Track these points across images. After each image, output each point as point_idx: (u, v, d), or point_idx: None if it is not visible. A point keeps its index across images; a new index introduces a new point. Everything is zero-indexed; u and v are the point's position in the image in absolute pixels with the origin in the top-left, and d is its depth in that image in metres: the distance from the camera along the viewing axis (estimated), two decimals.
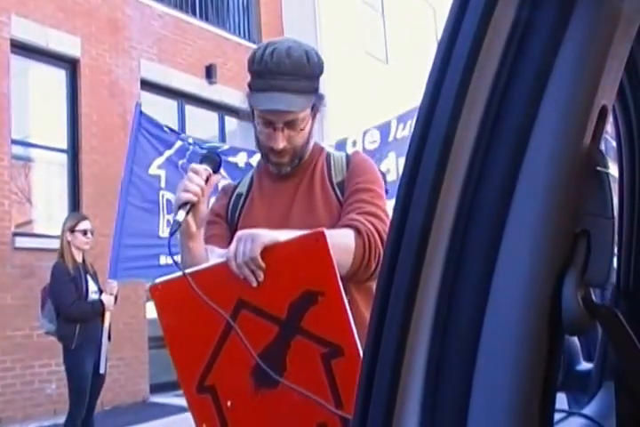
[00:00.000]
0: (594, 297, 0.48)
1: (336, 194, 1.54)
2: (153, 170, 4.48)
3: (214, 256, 1.40)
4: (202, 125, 8.20)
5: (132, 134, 4.50)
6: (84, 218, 4.39)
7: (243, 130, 8.34)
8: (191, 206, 1.36)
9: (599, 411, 0.83)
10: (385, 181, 1.65)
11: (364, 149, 4.61)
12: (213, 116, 8.38)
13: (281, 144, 1.50)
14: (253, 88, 1.50)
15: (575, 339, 0.95)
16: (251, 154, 4.62)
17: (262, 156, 1.60)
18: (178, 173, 4.55)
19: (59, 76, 6.77)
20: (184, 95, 7.89)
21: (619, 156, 0.88)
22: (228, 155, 4.58)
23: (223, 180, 3.71)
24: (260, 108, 1.49)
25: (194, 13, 8.28)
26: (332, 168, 1.58)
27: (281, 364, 1.20)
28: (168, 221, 4.47)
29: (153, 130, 4.54)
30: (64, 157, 6.72)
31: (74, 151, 6.71)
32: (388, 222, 0.95)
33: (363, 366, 0.50)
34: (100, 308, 4.11)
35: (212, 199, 1.64)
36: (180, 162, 4.56)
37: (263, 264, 1.22)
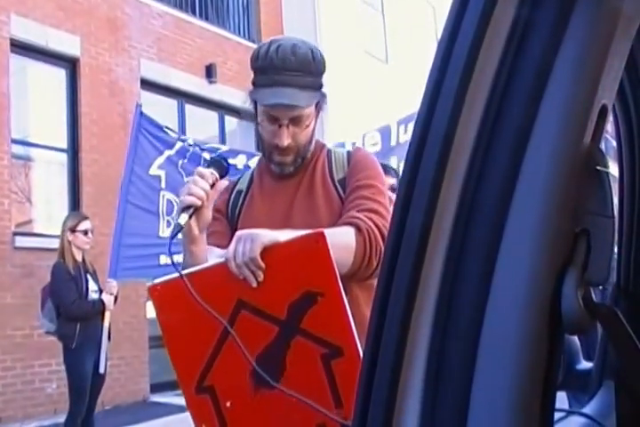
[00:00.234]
0: (594, 296, 0.48)
1: (337, 191, 1.53)
2: (153, 170, 4.49)
3: (213, 256, 1.39)
4: (202, 125, 8.20)
5: (133, 134, 4.50)
6: (85, 218, 4.39)
7: (243, 129, 8.35)
8: (194, 210, 1.34)
9: (599, 410, 0.83)
10: (394, 173, 1.63)
11: None
12: (213, 116, 8.37)
13: (286, 141, 1.49)
14: (257, 84, 1.49)
15: (575, 338, 0.95)
16: (250, 156, 4.62)
17: (265, 155, 1.59)
18: (178, 173, 4.56)
19: (58, 75, 6.77)
20: (184, 95, 7.88)
21: (619, 155, 0.88)
22: (227, 157, 4.59)
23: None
24: (266, 104, 1.47)
25: (194, 13, 8.28)
26: (334, 165, 1.57)
27: (281, 364, 1.20)
28: (168, 221, 4.48)
29: (153, 130, 4.55)
30: (64, 157, 6.71)
31: (74, 150, 6.71)
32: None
33: (363, 365, 0.50)
34: (100, 307, 4.12)
35: None
36: (180, 162, 4.57)
37: (263, 264, 1.21)
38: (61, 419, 4.32)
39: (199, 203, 1.34)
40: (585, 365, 0.94)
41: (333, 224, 1.43)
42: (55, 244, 4.36)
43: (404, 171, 0.51)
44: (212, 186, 1.38)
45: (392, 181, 2.72)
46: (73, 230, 4.20)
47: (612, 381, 0.86)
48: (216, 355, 1.24)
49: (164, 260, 4.41)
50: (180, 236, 1.38)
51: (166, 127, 4.71)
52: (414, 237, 0.48)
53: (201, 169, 1.41)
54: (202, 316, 1.25)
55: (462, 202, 0.48)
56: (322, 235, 1.18)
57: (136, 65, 7.28)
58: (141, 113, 4.53)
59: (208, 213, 1.39)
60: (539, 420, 0.45)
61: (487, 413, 0.45)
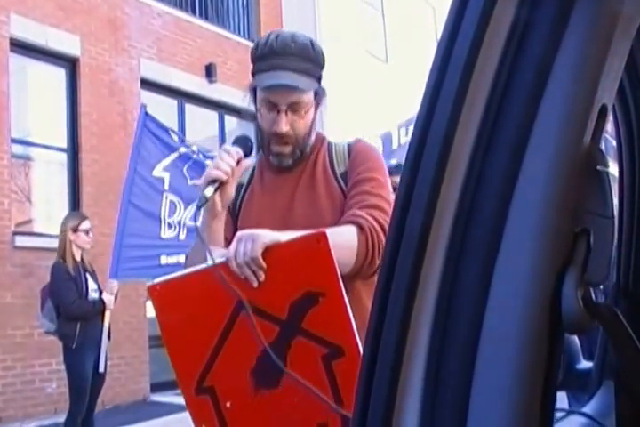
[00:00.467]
0: (594, 296, 0.48)
1: (340, 185, 1.52)
2: (157, 172, 4.50)
3: (214, 256, 1.39)
4: (202, 125, 8.20)
5: (137, 135, 4.51)
6: (85, 217, 4.41)
7: (243, 129, 8.33)
8: (219, 185, 1.37)
9: (599, 410, 0.83)
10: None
11: None
12: (213, 116, 8.37)
13: (284, 127, 1.48)
14: (257, 70, 1.51)
15: (575, 338, 0.96)
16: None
17: (263, 147, 1.58)
18: (182, 176, 4.58)
19: (58, 74, 6.77)
20: (184, 94, 7.88)
21: (619, 155, 0.88)
22: None
23: None
24: (265, 85, 1.48)
25: (194, 12, 8.28)
26: (335, 158, 1.56)
27: (282, 364, 1.20)
28: (169, 223, 4.49)
29: (158, 132, 4.55)
30: (64, 156, 6.71)
31: (74, 150, 6.71)
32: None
33: (362, 364, 0.51)
34: (100, 307, 4.12)
35: None
36: (186, 166, 4.59)
37: (264, 264, 1.21)
38: (61, 419, 4.32)
39: (225, 177, 1.37)
40: (585, 364, 0.94)
41: (336, 219, 1.43)
42: (55, 243, 4.36)
43: (403, 170, 0.51)
44: (237, 163, 1.41)
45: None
46: (75, 230, 4.21)
47: (611, 380, 0.86)
48: (216, 355, 1.24)
49: (164, 260, 4.42)
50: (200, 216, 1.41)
51: (172, 130, 4.73)
52: (414, 237, 0.48)
53: (227, 146, 1.44)
54: (202, 316, 1.25)
55: (462, 202, 0.48)
56: (323, 235, 1.18)
57: (136, 65, 7.27)
58: (146, 113, 4.54)
59: (232, 190, 1.43)
60: (538, 419, 0.45)
61: (487, 412, 0.45)
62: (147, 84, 7.38)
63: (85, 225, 4.26)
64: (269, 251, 1.21)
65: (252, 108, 1.58)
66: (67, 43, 6.66)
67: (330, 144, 1.60)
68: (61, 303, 4.06)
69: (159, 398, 6.70)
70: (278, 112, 1.48)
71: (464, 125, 0.48)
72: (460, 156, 0.48)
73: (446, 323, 0.47)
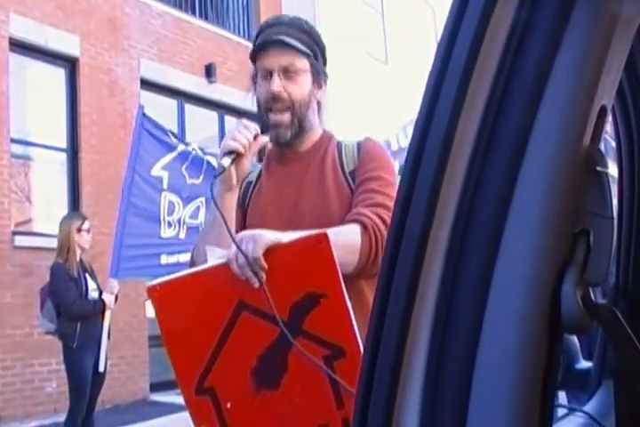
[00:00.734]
0: (593, 296, 0.48)
1: (348, 183, 1.51)
2: (156, 171, 4.50)
3: (214, 257, 1.39)
4: (201, 125, 8.20)
5: (135, 136, 4.51)
6: (86, 217, 4.43)
7: None
8: (236, 156, 1.38)
9: (598, 409, 0.83)
10: None
11: None
12: (213, 116, 8.37)
13: (276, 87, 1.49)
14: (254, 47, 1.55)
15: (574, 338, 0.96)
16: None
17: (264, 124, 1.56)
18: (181, 175, 4.59)
19: (58, 74, 6.77)
20: (184, 94, 7.88)
21: (618, 156, 0.88)
22: None
23: None
24: (258, 45, 1.52)
25: (193, 12, 8.27)
26: (344, 156, 1.56)
27: (282, 366, 1.19)
28: (169, 222, 4.49)
29: (156, 132, 4.56)
30: (63, 156, 6.71)
31: (73, 150, 6.71)
32: None
33: (363, 364, 0.51)
34: (100, 306, 4.13)
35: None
36: (185, 165, 4.59)
37: (266, 265, 1.20)
38: (61, 418, 4.32)
39: (242, 149, 1.39)
40: (584, 364, 0.94)
41: (343, 215, 1.43)
42: (55, 243, 4.36)
43: (403, 171, 0.51)
44: (255, 138, 1.43)
45: None
46: (79, 230, 4.22)
47: (611, 380, 0.86)
48: (216, 356, 1.23)
49: (164, 259, 4.42)
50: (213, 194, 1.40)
51: (170, 131, 4.73)
52: (414, 238, 0.48)
53: (245, 121, 1.45)
54: (202, 316, 1.25)
55: (462, 203, 0.48)
56: (325, 236, 1.17)
57: (136, 65, 7.27)
58: (144, 114, 4.54)
59: (247, 164, 1.44)
60: (538, 419, 0.46)
61: (486, 412, 0.45)
62: (146, 84, 7.38)
63: (86, 225, 4.29)
64: (271, 252, 1.21)
65: (254, 108, 1.58)
66: (66, 42, 6.65)
67: (339, 143, 1.60)
68: (62, 303, 4.06)
69: (159, 397, 6.69)
70: (271, 75, 1.51)
71: (464, 126, 0.48)
72: (460, 156, 0.48)
73: (446, 323, 0.47)
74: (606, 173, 0.48)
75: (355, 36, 10.14)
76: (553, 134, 0.47)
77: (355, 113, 8.46)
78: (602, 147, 0.51)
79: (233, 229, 1.35)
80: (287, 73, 1.50)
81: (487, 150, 0.48)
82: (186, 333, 1.27)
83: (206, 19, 8.43)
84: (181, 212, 4.58)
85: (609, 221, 0.48)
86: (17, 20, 6.25)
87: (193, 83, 7.89)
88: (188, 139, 5.77)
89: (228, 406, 1.24)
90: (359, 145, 1.57)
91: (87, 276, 4.24)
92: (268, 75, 1.51)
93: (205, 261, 1.35)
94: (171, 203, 4.53)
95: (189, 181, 4.62)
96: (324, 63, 1.61)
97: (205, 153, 4.70)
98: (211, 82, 8.03)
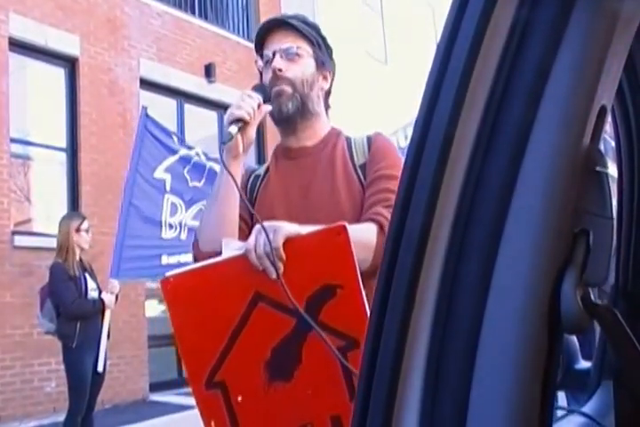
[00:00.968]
0: (593, 296, 0.48)
1: (358, 177, 1.52)
2: (159, 173, 4.51)
3: (231, 248, 1.38)
4: (201, 124, 8.20)
5: (137, 137, 4.52)
6: (84, 217, 4.42)
7: None
8: (243, 124, 1.40)
9: (598, 410, 0.83)
10: None
11: None
12: (212, 115, 8.37)
13: (277, 64, 1.52)
14: (259, 31, 1.59)
15: (574, 338, 0.96)
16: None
17: (269, 101, 1.57)
18: (183, 178, 4.59)
19: (58, 74, 6.77)
20: (183, 94, 7.88)
21: (618, 156, 0.88)
22: None
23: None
24: (260, 28, 1.56)
25: (193, 12, 8.27)
26: (354, 150, 1.56)
27: (297, 357, 1.19)
28: (170, 224, 4.50)
29: (159, 134, 4.56)
30: (63, 156, 6.71)
31: (73, 150, 6.71)
32: None
33: (362, 364, 0.51)
34: (100, 306, 4.13)
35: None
36: (187, 168, 4.60)
37: (284, 256, 1.20)
38: (61, 418, 4.32)
39: (248, 117, 1.41)
40: (583, 364, 0.94)
41: (353, 208, 1.45)
42: (54, 243, 4.36)
43: (403, 171, 0.51)
44: (258, 107, 1.45)
45: None
46: (78, 230, 4.22)
47: (610, 380, 0.86)
48: (230, 348, 1.23)
49: (165, 260, 4.43)
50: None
51: (174, 133, 4.74)
52: (414, 237, 0.48)
53: (248, 91, 1.48)
54: (215, 309, 1.24)
55: (462, 203, 0.48)
56: (343, 228, 1.17)
57: (135, 64, 7.27)
58: (147, 115, 4.54)
59: (253, 133, 1.46)
60: (538, 419, 0.46)
61: (486, 412, 0.45)
62: (146, 83, 7.38)
63: (85, 225, 4.29)
64: (289, 243, 1.21)
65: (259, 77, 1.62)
66: (66, 42, 6.65)
67: (348, 138, 1.61)
68: (61, 303, 4.06)
69: (158, 397, 6.70)
70: (274, 57, 1.53)
71: (464, 126, 0.48)
72: (460, 157, 0.48)
73: (446, 323, 0.47)
74: (606, 173, 0.48)
75: (354, 37, 10.14)
76: (553, 134, 0.47)
77: (354, 113, 8.46)
78: (601, 147, 0.51)
79: (240, 194, 1.40)
80: (289, 55, 1.53)
81: (487, 150, 0.48)
82: (198, 326, 1.26)
83: (206, 18, 8.43)
84: (183, 214, 4.59)
85: (609, 221, 0.48)
86: (17, 20, 6.25)
87: (192, 82, 7.89)
88: (187, 138, 5.76)
89: (239, 399, 1.23)
90: (369, 139, 1.58)
91: (87, 275, 4.24)
92: (271, 57, 1.54)
93: (212, 239, 1.39)
94: (173, 205, 4.54)
95: (191, 184, 4.64)
96: (330, 56, 1.64)
97: (209, 159, 4.70)
98: (210, 82, 8.03)
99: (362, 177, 1.51)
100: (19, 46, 6.33)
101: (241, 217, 1.50)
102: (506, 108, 0.48)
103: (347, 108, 8.22)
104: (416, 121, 0.51)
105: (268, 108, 1.50)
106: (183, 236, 4.55)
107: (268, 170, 1.63)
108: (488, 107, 0.48)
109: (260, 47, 1.59)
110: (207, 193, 4.05)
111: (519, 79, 0.48)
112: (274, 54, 1.53)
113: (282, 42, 1.54)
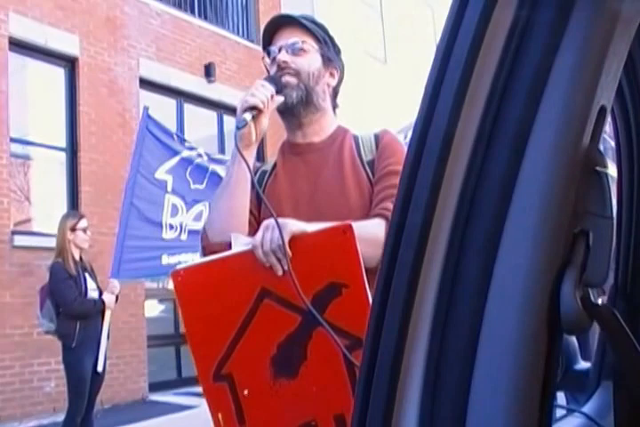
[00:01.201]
0: (592, 297, 0.48)
1: (367, 173, 1.52)
2: (160, 174, 4.51)
3: (239, 244, 1.39)
4: (201, 124, 8.20)
5: (138, 137, 4.51)
6: (82, 216, 4.40)
7: None
8: (256, 112, 1.41)
9: (597, 410, 0.83)
10: None
11: None
12: (212, 115, 8.37)
13: (283, 57, 1.53)
14: (266, 27, 1.61)
15: (573, 338, 0.96)
16: None
17: (280, 93, 1.59)
18: (185, 179, 4.59)
19: (57, 74, 6.76)
20: (183, 94, 7.88)
21: (617, 156, 0.88)
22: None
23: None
24: (268, 24, 1.57)
25: (192, 12, 8.27)
26: (361, 147, 1.57)
27: (302, 354, 1.20)
28: (171, 224, 4.49)
29: (160, 135, 4.56)
30: (63, 156, 6.71)
31: (72, 149, 6.70)
32: None
33: (362, 364, 0.51)
34: (100, 306, 4.12)
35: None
36: (189, 169, 4.60)
37: (290, 253, 1.21)
38: (60, 418, 4.32)
39: (262, 105, 1.42)
40: (583, 365, 0.94)
41: (361, 204, 1.45)
42: (54, 243, 4.35)
43: (403, 170, 0.51)
44: (271, 98, 1.46)
45: None
46: (73, 229, 4.20)
47: (609, 381, 0.86)
48: (237, 342, 1.23)
49: (165, 260, 4.43)
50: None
51: (176, 134, 4.73)
52: (414, 237, 0.48)
53: (261, 81, 1.48)
54: (225, 302, 1.25)
55: (462, 202, 0.48)
56: (349, 226, 1.18)
57: (135, 64, 7.27)
58: (149, 116, 4.54)
59: (265, 121, 1.46)
60: (537, 419, 0.46)
61: (486, 412, 0.45)
62: (146, 83, 7.38)
63: (83, 224, 4.26)
64: (295, 240, 1.22)
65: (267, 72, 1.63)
66: (66, 42, 6.65)
67: (355, 135, 1.62)
68: (62, 302, 4.05)
69: (158, 397, 6.70)
70: (279, 51, 1.55)
71: (464, 126, 0.48)
72: (460, 156, 0.48)
73: (445, 323, 0.47)
74: (606, 173, 0.48)
75: (354, 36, 10.14)
76: (553, 134, 0.47)
77: (354, 112, 8.45)
78: (601, 147, 0.51)
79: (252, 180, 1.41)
80: (295, 50, 1.55)
81: (487, 150, 0.48)
82: (207, 318, 1.28)
83: (205, 18, 8.43)
84: (184, 215, 4.59)
85: (608, 222, 0.48)
86: (16, 20, 6.25)
87: (192, 82, 7.88)
88: (187, 138, 5.76)
89: (245, 393, 1.24)
90: (377, 136, 1.58)
91: (87, 275, 4.23)
92: (277, 53, 1.55)
93: (222, 228, 1.40)
94: (174, 206, 4.54)
95: (193, 186, 4.64)
96: (337, 56, 1.64)
97: (212, 160, 4.70)
98: (210, 81, 8.03)
99: (370, 173, 1.52)
100: (18, 46, 6.33)
101: (250, 212, 1.50)
102: (506, 108, 0.48)
103: (346, 107, 8.22)
104: (416, 120, 0.51)
105: (280, 99, 1.50)
106: (183, 236, 4.55)
107: (275, 166, 1.64)
108: (488, 107, 0.48)
109: (267, 44, 1.60)
110: (209, 195, 4.06)
111: (519, 79, 0.48)
112: (280, 50, 1.54)
113: (288, 38, 1.55)
